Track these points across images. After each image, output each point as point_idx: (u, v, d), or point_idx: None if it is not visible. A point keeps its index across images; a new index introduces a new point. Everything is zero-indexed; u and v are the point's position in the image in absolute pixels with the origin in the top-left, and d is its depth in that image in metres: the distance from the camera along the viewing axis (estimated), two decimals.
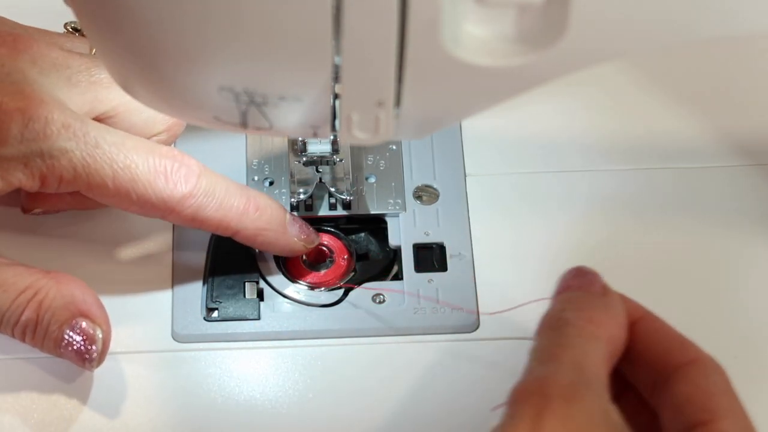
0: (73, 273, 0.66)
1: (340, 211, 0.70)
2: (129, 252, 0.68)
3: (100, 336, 0.61)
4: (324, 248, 0.69)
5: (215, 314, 0.66)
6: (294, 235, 0.66)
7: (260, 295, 0.68)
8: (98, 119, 0.64)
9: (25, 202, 0.66)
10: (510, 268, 0.68)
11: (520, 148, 0.72)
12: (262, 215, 0.65)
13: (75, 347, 0.61)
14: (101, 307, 0.62)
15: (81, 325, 0.61)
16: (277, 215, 0.66)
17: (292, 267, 0.68)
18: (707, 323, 0.66)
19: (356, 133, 0.52)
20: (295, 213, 0.69)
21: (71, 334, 0.61)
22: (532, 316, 0.66)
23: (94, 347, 0.61)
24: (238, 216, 0.64)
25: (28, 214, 0.67)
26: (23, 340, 0.62)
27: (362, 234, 0.70)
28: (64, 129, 0.60)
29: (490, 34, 0.49)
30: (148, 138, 0.65)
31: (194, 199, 0.63)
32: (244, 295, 0.67)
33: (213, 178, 0.64)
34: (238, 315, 0.66)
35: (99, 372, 0.64)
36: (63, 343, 0.61)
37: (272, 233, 0.66)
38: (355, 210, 0.70)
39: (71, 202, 0.66)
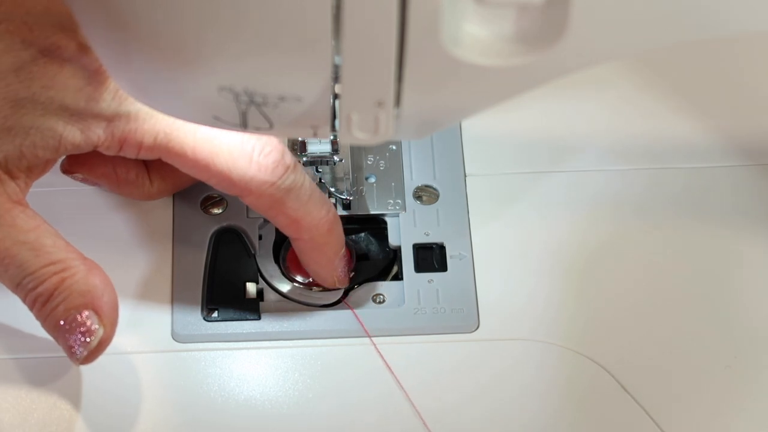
0: None
1: (340, 211, 0.70)
2: (129, 252, 0.68)
3: (100, 334, 0.61)
4: None
5: (215, 314, 0.66)
6: (337, 268, 0.66)
7: (260, 295, 0.68)
8: None
9: (67, 162, 0.66)
10: (510, 268, 0.68)
11: (520, 148, 0.72)
12: (330, 237, 0.65)
13: (70, 335, 0.60)
14: (114, 309, 0.61)
15: (86, 317, 0.60)
16: (340, 243, 0.66)
17: (292, 267, 0.68)
18: (707, 323, 0.66)
19: (356, 133, 0.52)
20: None
21: (73, 321, 0.60)
22: (532, 316, 0.66)
23: (87, 341, 0.60)
24: (309, 226, 0.64)
25: (68, 176, 0.66)
26: (31, 308, 0.61)
27: (362, 234, 0.70)
28: None
29: (490, 34, 0.49)
30: None
31: (275, 190, 0.62)
32: (244, 295, 0.67)
33: (301, 177, 0.63)
34: (238, 315, 0.66)
35: (99, 372, 0.64)
36: (61, 325, 0.60)
37: (324, 256, 0.66)
38: (355, 210, 0.70)
39: (114, 181, 0.66)
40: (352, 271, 0.68)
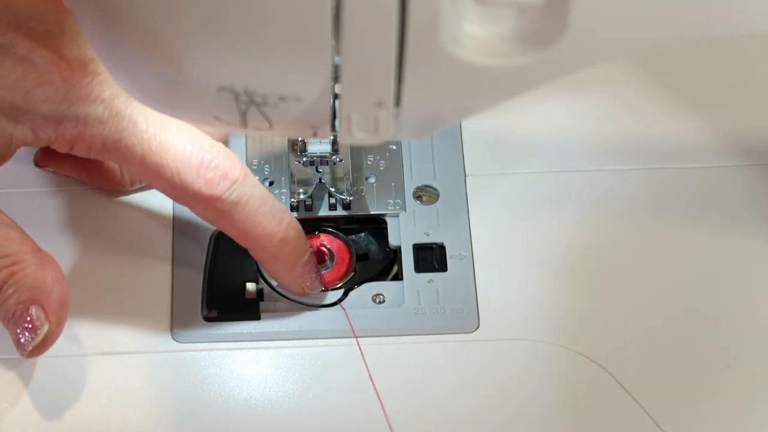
0: (73, 272, 0.66)
1: (340, 211, 0.70)
2: (129, 252, 0.68)
3: (45, 330, 0.61)
4: (324, 249, 0.69)
5: (215, 314, 0.66)
6: (301, 276, 0.66)
7: (260, 295, 0.68)
8: None
9: (39, 156, 0.67)
10: (510, 268, 0.68)
11: (520, 148, 0.72)
12: (285, 247, 0.64)
13: (18, 328, 0.61)
14: (63, 305, 0.62)
15: (32, 313, 0.61)
16: (297, 251, 0.65)
17: None
18: (707, 323, 0.66)
19: (356, 133, 0.52)
20: (295, 213, 0.69)
21: (21, 315, 0.61)
22: (532, 316, 0.66)
23: (33, 337, 0.61)
24: (260, 237, 0.64)
25: (41, 169, 0.68)
26: None
27: (362, 234, 0.70)
28: (108, 100, 0.61)
29: (490, 34, 0.49)
30: None
31: (221, 204, 0.62)
32: (244, 295, 0.67)
33: (250, 190, 0.63)
34: (238, 315, 0.66)
35: (99, 372, 0.64)
36: (10, 317, 0.61)
37: (282, 266, 0.65)
38: (355, 210, 0.70)
39: (84, 173, 0.68)
40: (352, 272, 0.68)
